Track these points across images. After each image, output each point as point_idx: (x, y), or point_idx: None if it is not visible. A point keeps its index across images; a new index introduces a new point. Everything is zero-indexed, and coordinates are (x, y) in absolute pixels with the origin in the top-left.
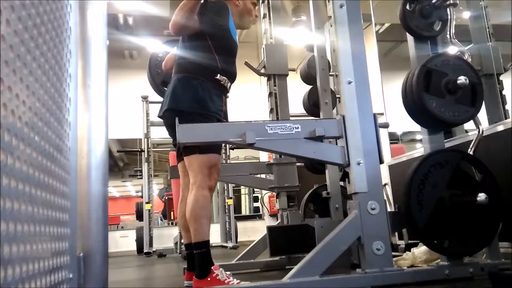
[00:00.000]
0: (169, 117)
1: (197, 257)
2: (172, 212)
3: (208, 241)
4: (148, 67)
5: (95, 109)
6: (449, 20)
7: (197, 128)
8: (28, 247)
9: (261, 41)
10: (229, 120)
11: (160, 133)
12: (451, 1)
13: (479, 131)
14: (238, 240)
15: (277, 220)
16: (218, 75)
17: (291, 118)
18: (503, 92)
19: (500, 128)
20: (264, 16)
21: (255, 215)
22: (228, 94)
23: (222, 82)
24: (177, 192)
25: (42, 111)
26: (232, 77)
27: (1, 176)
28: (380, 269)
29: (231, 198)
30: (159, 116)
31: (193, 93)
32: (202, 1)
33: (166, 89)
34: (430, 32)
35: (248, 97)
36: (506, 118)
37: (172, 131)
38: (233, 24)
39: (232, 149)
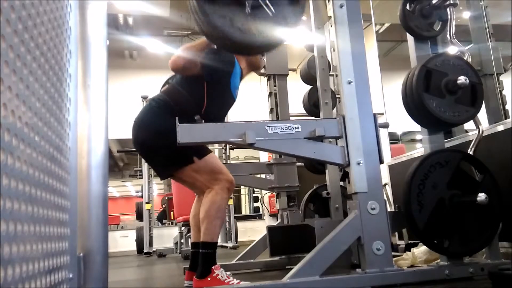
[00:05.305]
0: (135, 142)
1: (202, 256)
2: (172, 212)
3: (216, 243)
4: None
5: (95, 109)
6: (449, 20)
7: (197, 128)
8: (28, 247)
9: None
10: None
11: None
12: (451, 1)
13: (479, 131)
14: (238, 240)
15: (277, 220)
16: (198, 116)
17: (291, 118)
18: (503, 92)
19: (500, 128)
20: None
21: (255, 215)
22: None
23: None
24: (177, 192)
25: (42, 111)
26: None
27: (1, 176)
28: (380, 269)
29: (231, 198)
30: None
31: (161, 122)
32: (210, 48)
33: None
34: (430, 32)
35: (248, 97)
36: (506, 118)
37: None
38: (237, 79)
39: (232, 149)
